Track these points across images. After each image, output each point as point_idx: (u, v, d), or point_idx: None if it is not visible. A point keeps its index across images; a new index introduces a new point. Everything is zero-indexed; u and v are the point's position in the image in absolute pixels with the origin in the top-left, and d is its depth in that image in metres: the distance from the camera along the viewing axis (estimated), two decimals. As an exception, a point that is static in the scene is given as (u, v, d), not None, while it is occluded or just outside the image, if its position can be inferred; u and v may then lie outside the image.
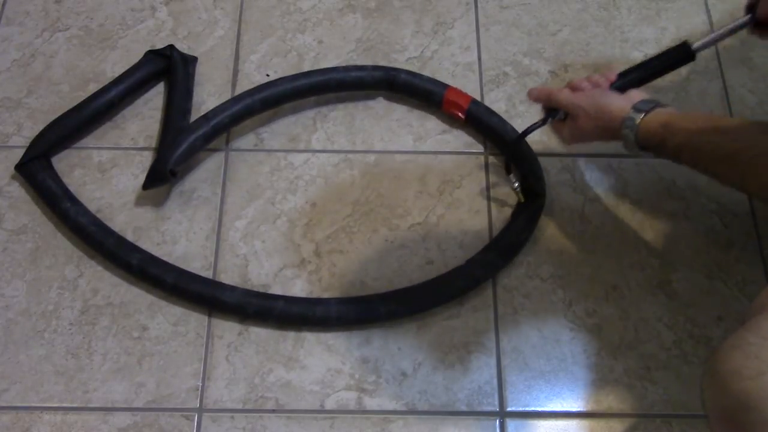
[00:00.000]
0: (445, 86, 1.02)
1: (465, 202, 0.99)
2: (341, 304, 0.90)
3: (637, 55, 1.10)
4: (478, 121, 1.02)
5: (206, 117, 0.97)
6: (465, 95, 1.02)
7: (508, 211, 0.98)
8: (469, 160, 1.02)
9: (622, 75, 0.90)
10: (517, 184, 0.95)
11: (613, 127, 0.84)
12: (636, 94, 0.86)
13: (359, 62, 1.08)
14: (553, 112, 0.90)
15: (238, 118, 0.99)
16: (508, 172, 0.95)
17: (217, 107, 0.98)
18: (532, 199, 0.96)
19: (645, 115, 0.82)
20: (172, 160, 0.93)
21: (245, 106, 0.99)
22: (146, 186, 0.95)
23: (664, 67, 0.91)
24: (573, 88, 0.89)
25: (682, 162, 0.82)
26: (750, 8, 0.86)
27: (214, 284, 0.91)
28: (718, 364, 0.57)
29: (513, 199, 0.98)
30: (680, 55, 0.89)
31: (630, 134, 0.82)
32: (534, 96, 0.92)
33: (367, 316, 0.90)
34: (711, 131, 0.78)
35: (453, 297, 0.91)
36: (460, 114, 1.01)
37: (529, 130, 0.92)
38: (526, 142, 0.97)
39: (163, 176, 0.94)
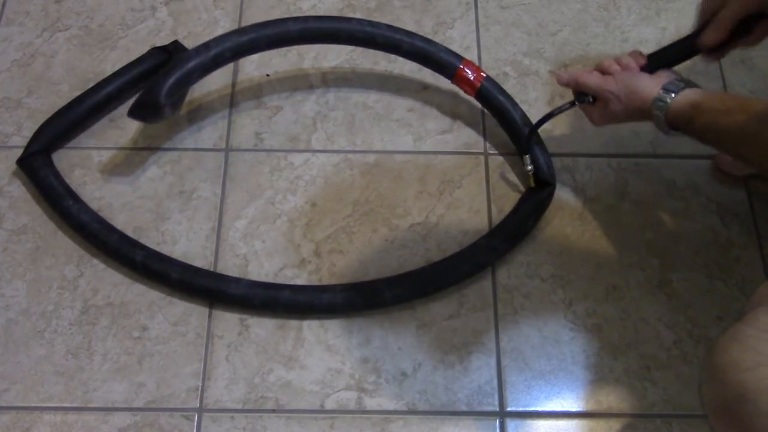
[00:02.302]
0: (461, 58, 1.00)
1: (465, 202, 0.99)
2: (347, 291, 0.90)
3: (637, 55, 1.10)
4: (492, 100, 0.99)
5: (207, 45, 0.91)
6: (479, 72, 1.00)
7: (508, 211, 0.97)
8: (469, 160, 1.02)
9: (651, 57, 0.90)
10: (530, 167, 0.95)
11: (644, 108, 0.85)
12: (665, 75, 0.87)
13: (359, 62, 1.08)
14: (581, 96, 0.91)
15: (241, 52, 0.94)
16: (523, 153, 0.95)
17: (220, 37, 0.92)
18: (541, 187, 0.96)
19: (675, 96, 0.83)
20: (165, 89, 0.86)
21: (250, 40, 0.93)
22: (131, 114, 0.90)
23: (693, 50, 0.91)
24: (602, 71, 0.90)
25: (708, 141, 0.83)
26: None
27: (218, 277, 0.91)
28: (716, 357, 0.57)
29: (513, 198, 0.98)
30: None
31: (660, 115, 0.84)
32: (563, 81, 0.93)
33: (373, 301, 0.90)
34: (737, 111, 0.78)
35: (457, 281, 0.92)
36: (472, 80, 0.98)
37: (555, 112, 0.93)
38: (539, 134, 0.98)
39: (152, 107, 0.87)
